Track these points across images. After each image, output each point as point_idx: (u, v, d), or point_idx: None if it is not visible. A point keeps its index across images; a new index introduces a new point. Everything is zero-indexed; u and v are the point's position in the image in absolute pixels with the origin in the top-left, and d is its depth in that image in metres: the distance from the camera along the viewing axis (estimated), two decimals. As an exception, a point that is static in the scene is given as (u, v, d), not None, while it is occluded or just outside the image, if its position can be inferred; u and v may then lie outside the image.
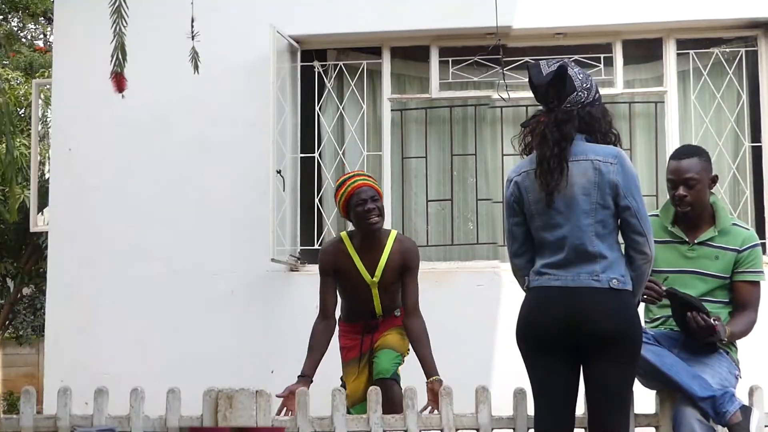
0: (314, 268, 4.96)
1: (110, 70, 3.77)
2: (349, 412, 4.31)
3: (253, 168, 6.37)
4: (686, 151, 4.15)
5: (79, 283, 6.55)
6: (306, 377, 4.55)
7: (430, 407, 4.38)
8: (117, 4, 3.77)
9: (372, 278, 4.69)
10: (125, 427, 4.02)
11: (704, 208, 4.11)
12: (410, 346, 4.73)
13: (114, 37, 3.76)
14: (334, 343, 4.84)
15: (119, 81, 3.80)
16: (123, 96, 3.81)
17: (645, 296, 3.94)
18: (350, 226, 4.85)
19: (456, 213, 6.74)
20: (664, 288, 3.95)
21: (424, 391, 4.28)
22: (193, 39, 4.12)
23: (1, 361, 12.25)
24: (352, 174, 4.88)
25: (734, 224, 4.14)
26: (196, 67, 4.19)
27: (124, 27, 3.78)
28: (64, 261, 6.61)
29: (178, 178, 6.54)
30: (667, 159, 4.26)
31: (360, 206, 4.64)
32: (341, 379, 4.89)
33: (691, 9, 6.33)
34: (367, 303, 4.76)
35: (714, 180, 4.13)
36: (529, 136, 3.56)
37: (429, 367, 4.56)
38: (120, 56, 3.78)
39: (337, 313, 4.83)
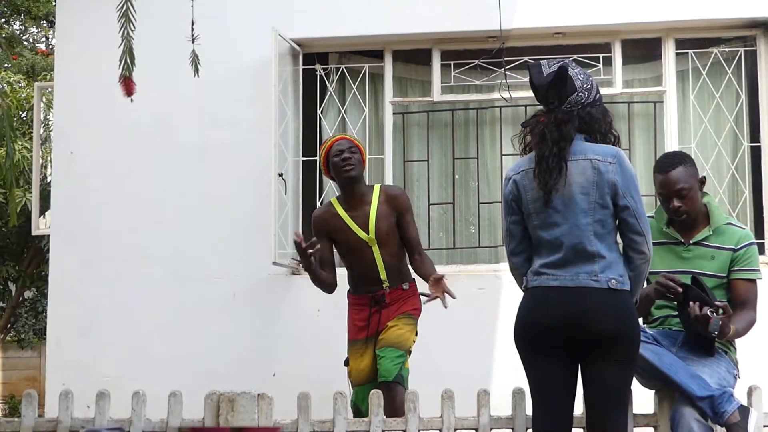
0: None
1: (119, 74, 3.76)
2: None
3: (254, 171, 6.37)
4: (670, 162, 4.07)
5: (81, 286, 6.55)
6: None
7: (434, 297, 4.50)
8: (125, 7, 3.76)
9: (368, 235, 4.69)
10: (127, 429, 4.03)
11: (699, 211, 4.10)
12: (415, 339, 4.70)
13: (122, 41, 3.75)
14: (340, 347, 4.82)
15: (128, 85, 3.79)
16: (132, 100, 3.81)
17: (663, 289, 3.90)
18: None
19: (458, 216, 6.72)
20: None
21: (425, 393, 4.23)
22: (193, 42, 4.12)
23: (2, 365, 12.24)
24: (335, 135, 4.96)
25: (729, 223, 4.13)
26: (196, 70, 4.19)
27: (132, 31, 3.78)
28: (66, 264, 6.61)
29: (180, 180, 6.54)
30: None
31: (337, 156, 4.70)
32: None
33: (690, 9, 6.32)
34: (371, 266, 4.73)
35: (702, 181, 4.11)
36: (528, 136, 3.57)
37: (428, 271, 4.64)
38: (128, 60, 3.77)
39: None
